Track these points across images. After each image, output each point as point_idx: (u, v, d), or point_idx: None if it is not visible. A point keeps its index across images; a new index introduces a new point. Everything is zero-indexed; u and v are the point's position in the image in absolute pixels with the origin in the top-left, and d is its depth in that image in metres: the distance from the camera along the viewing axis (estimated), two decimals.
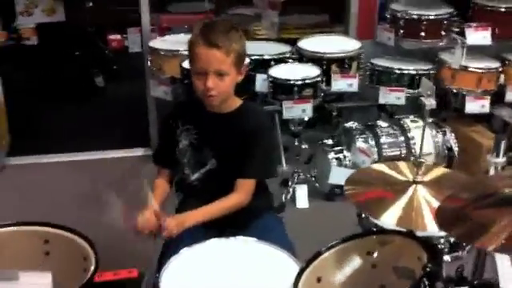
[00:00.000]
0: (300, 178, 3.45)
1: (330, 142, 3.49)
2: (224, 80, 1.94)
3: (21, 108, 4.34)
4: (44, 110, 4.64)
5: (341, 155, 3.39)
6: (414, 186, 1.70)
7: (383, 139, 3.39)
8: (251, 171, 2.02)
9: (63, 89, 4.97)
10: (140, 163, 3.90)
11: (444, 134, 3.43)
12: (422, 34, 3.51)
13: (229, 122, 2.04)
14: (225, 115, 2.04)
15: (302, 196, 3.40)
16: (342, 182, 3.40)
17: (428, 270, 1.42)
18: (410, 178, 1.72)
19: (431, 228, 1.59)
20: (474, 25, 3.47)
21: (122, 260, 1.96)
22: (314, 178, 3.51)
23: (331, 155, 3.38)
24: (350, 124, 3.53)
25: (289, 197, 3.39)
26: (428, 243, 1.56)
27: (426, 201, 1.65)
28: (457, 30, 3.51)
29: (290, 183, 3.43)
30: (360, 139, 3.37)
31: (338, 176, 3.35)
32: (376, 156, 3.35)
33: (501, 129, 3.76)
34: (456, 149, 3.39)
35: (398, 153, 3.37)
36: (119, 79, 5.23)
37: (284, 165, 3.59)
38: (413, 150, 3.37)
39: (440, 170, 1.80)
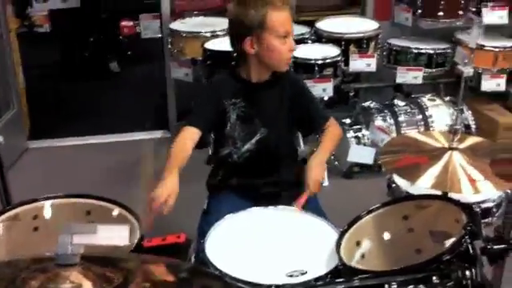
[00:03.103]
0: None
1: (348, 121, 3.55)
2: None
3: (39, 93, 4.40)
4: (61, 96, 4.72)
5: (359, 134, 3.45)
6: (449, 152, 1.75)
7: (401, 117, 3.46)
8: (325, 113, 2.25)
9: (78, 74, 5.04)
10: (159, 145, 3.96)
11: (461, 112, 3.48)
12: (440, 13, 3.54)
13: (273, 88, 2.10)
14: (267, 83, 2.09)
15: None
16: (361, 160, 3.48)
17: (469, 229, 1.48)
18: (446, 144, 1.78)
19: (466, 192, 1.66)
20: (491, 4, 3.51)
21: (162, 229, 2.01)
22: (332, 157, 3.57)
23: (350, 134, 3.44)
24: (368, 103, 3.59)
25: None
26: (466, 205, 1.61)
27: (462, 166, 1.70)
28: (474, 9, 3.55)
29: None
30: (379, 118, 3.43)
31: (357, 154, 3.41)
32: (394, 134, 3.41)
33: None
34: (474, 126, 3.44)
35: (416, 131, 3.43)
36: (133, 64, 5.29)
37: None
38: (431, 128, 3.42)
39: (473, 139, 1.85)
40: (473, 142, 1.81)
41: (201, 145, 2.08)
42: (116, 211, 1.87)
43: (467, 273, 1.40)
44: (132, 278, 1.12)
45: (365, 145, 3.41)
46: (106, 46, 5.33)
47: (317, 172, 2.03)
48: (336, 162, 3.54)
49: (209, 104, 2.08)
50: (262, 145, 2.09)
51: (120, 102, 4.60)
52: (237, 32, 2.01)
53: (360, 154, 3.40)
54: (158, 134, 4.09)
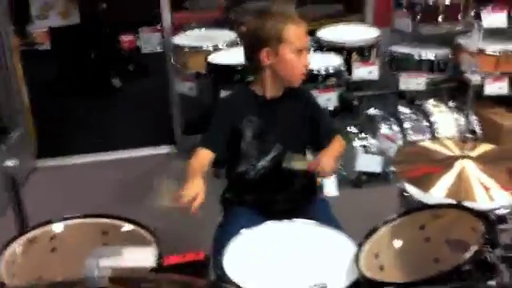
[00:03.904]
0: None
1: (354, 130, 3.55)
2: None
3: (43, 111, 4.41)
4: (64, 113, 4.72)
5: (366, 142, 3.45)
6: (461, 160, 1.76)
7: (406, 124, 3.46)
8: (335, 127, 2.28)
9: (81, 91, 5.03)
10: (166, 160, 3.97)
11: (466, 116, 3.49)
12: (440, 18, 3.55)
13: (286, 103, 2.10)
14: (281, 98, 2.10)
15: (330, 184, 3.45)
16: (370, 169, 3.49)
17: (488, 237, 1.49)
18: (457, 152, 1.79)
19: (481, 200, 1.67)
20: (490, 7, 3.52)
21: (175, 243, 2.01)
22: (340, 167, 3.56)
23: (357, 143, 3.45)
24: (373, 111, 3.60)
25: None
26: (482, 213, 1.62)
27: (475, 174, 1.71)
28: (473, 13, 3.56)
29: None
30: (384, 126, 3.44)
31: (365, 163, 3.43)
32: (401, 142, 3.42)
33: None
34: (479, 131, 3.45)
35: (422, 137, 3.44)
36: (135, 79, 5.30)
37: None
38: (436, 134, 3.44)
39: (484, 146, 1.86)
40: (484, 150, 1.82)
41: (216, 164, 2.08)
42: (131, 229, 1.88)
43: (490, 283, 1.41)
44: None
45: (372, 153, 3.42)
46: (107, 62, 5.34)
47: (328, 160, 2.04)
48: (344, 172, 3.55)
49: (222, 124, 2.08)
50: (277, 161, 2.09)
51: (124, 118, 4.61)
52: (253, 43, 2.02)
53: (368, 163, 3.42)
54: (164, 150, 4.09)
